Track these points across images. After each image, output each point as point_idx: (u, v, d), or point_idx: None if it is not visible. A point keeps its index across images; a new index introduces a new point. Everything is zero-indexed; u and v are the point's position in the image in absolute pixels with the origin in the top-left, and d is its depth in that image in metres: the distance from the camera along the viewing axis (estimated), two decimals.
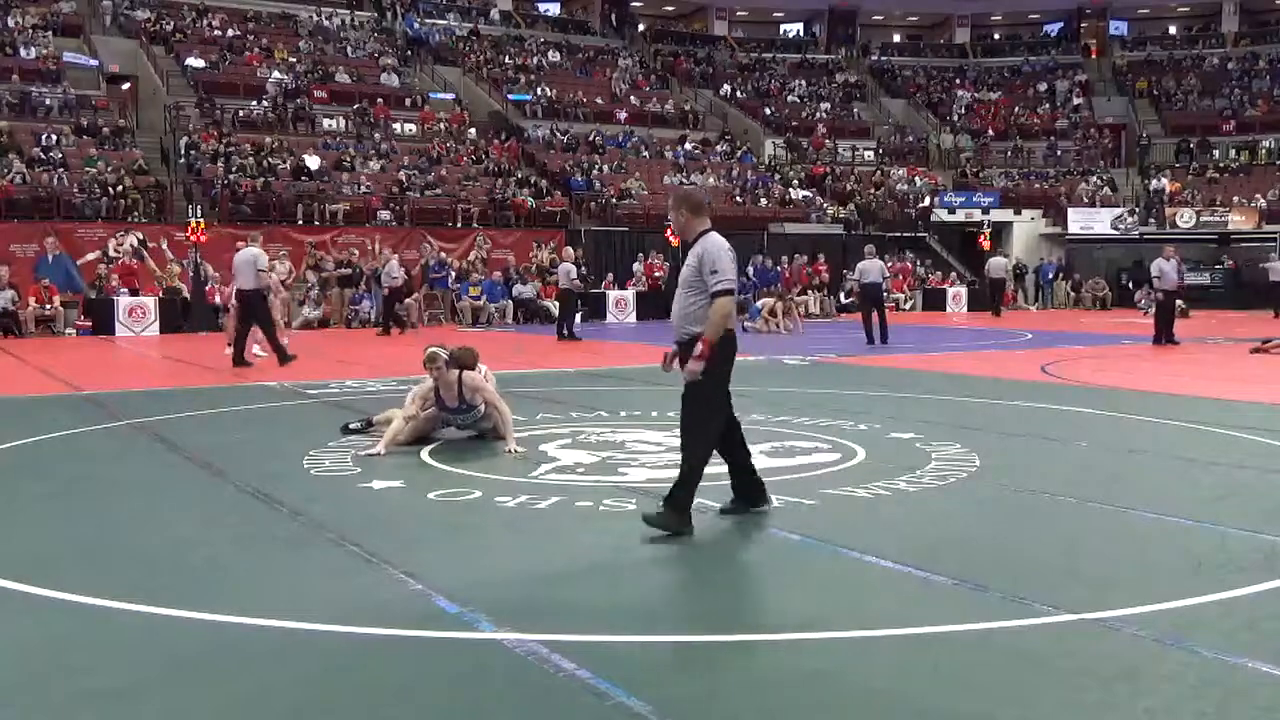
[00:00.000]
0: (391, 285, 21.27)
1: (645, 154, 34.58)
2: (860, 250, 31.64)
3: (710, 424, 5.67)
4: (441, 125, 32.46)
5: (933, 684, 3.70)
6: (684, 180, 32.92)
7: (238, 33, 34.90)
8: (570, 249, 22.39)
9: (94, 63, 30.84)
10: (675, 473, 5.65)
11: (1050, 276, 33.99)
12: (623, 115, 36.81)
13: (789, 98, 41.99)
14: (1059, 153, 39.78)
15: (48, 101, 27.94)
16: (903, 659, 3.96)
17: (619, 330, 23.67)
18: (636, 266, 27.72)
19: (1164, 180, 36.36)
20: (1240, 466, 7.49)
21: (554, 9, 46.06)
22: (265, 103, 30.87)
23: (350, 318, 24.10)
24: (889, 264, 31.69)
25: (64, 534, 5.79)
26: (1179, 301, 27.21)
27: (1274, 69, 41.52)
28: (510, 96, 36.44)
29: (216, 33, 34.54)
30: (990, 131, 41.00)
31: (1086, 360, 15.87)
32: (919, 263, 33.12)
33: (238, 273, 14.82)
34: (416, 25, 39.01)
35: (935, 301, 31.32)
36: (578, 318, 24.46)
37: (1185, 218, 34.01)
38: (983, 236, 32.26)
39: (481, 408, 8.27)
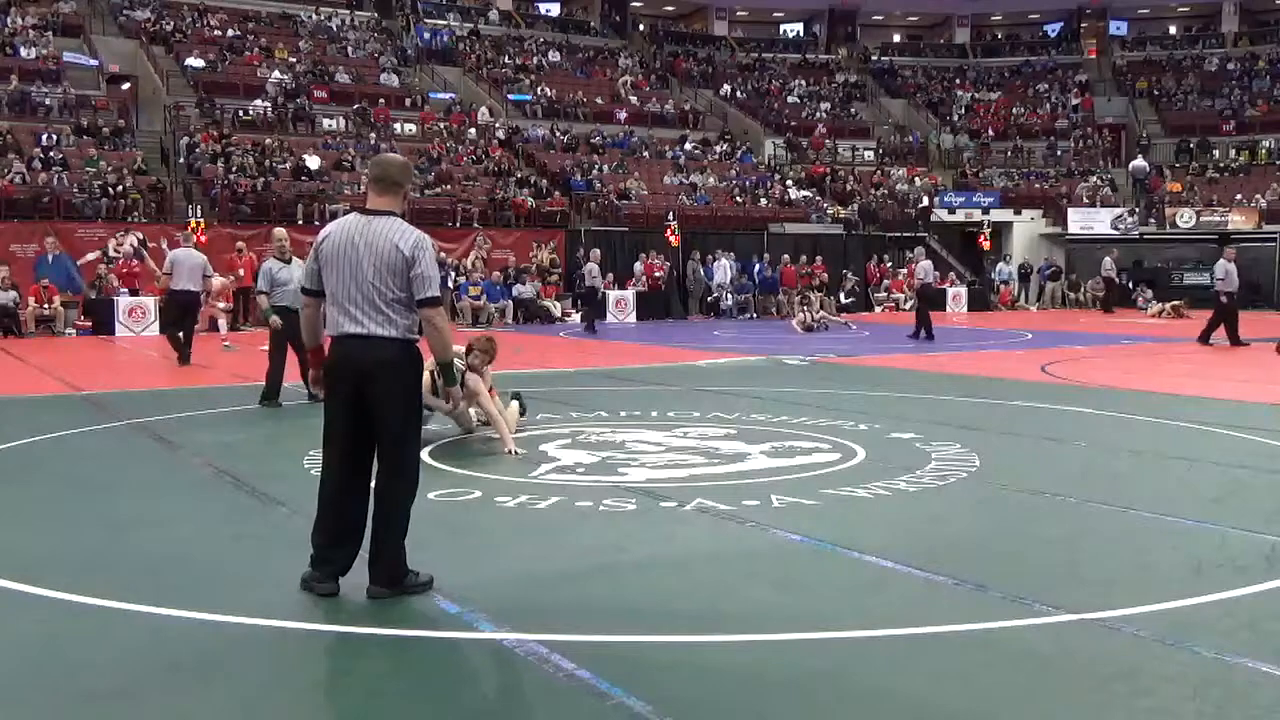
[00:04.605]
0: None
1: (645, 154, 34.54)
2: (861, 250, 31.99)
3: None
4: (441, 125, 32.45)
5: (933, 684, 3.70)
6: (683, 180, 32.90)
7: (238, 33, 34.86)
8: (597, 250, 23.77)
9: (94, 63, 30.79)
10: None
11: (1047, 275, 33.93)
12: (623, 115, 36.77)
13: (789, 98, 41.94)
14: (1059, 153, 39.72)
15: (48, 101, 27.90)
16: (903, 659, 3.96)
17: (619, 330, 23.66)
18: (637, 266, 27.70)
19: (1141, 159, 36.50)
20: (1240, 466, 7.49)
21: (554, 9, 46.00)
22: (265, 103, 30.85)
23: None
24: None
25: (64, 534, 5.78)
26: (1176, 302, 27.41)
27: (1274, 69, 41.46)
28: (510, 96, 36.42)
29: (216, 33, 34.50)
30: (990, 131, 40.96)
31: (1086, 360, 15.87)
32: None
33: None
34: (425, 34, 38.99)
35: (934, 302, 31.18)
36: (576, 317, 24.55)
37: (1185, 218, 33.95)
38: (983, 236, 32.21)
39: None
